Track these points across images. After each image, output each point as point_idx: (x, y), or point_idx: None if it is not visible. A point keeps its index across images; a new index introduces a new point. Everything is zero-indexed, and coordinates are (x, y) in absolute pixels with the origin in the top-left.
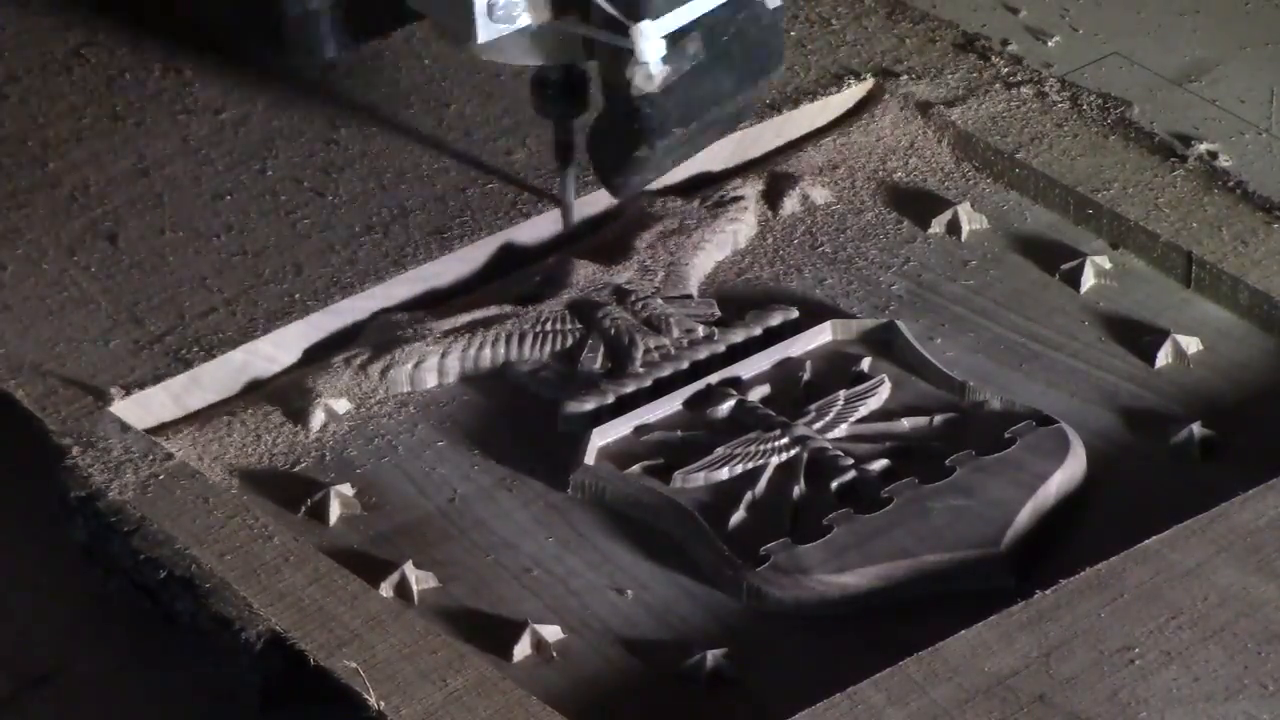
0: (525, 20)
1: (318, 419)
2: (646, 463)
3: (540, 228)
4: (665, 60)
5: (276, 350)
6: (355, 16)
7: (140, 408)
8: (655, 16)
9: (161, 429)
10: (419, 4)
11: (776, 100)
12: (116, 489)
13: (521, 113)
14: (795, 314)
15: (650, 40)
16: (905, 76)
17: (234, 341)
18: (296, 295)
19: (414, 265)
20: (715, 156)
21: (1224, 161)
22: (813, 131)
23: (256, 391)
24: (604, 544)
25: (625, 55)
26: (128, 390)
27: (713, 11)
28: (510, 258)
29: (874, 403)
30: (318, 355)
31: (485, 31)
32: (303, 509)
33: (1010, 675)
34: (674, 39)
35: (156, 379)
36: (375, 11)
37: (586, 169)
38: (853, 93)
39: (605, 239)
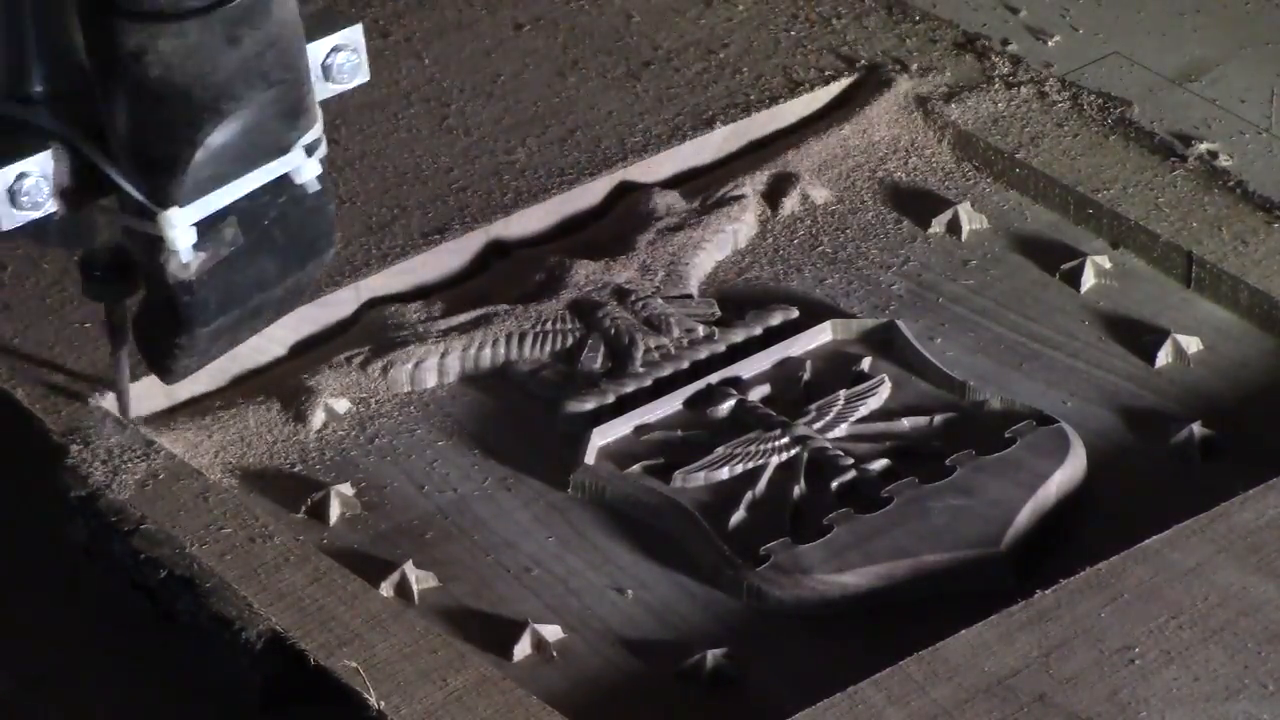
0: (52, 206)
1: (318, 418)
2: (646, 462)
3: (528, 221)
4: (198, 248)
5: (265, 341)
6: None
7: (132, 399)
8: (184, 204)
9: (160, 428)
10: None
11: (772, 93)
12: (116, 488)
13: (522, 112)
14: (795, 314)
15: (179, 228)
16: (905, 76)
17: None
18: None
19: (401, 258)
20: (706, 146)
21: (1224, 161)
22: (805, 123)
23: (251, 385)
24: (604, 544)
25: (158, 243)
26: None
27: (249, 196)
28: (498, 251)
29: (874, 402)
30: (306, 346)
31: (9, 219)
32: (303, 508)
33: (1010, 675)
34: (208, 225)
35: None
36: None
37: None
38: (841, 84)
39: (599, 236)
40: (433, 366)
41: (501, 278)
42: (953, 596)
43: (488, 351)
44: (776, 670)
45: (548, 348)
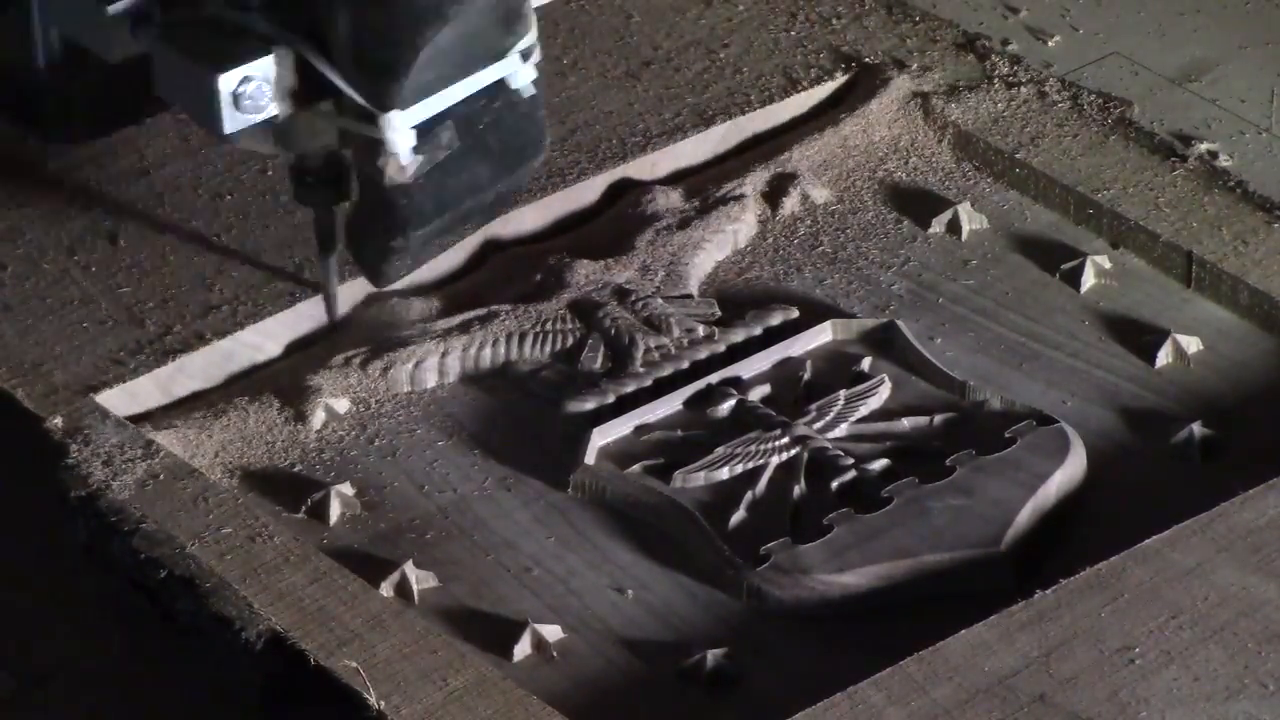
0: (273, 110)
1: (318, 418)
2: (647, 462)
3: (525, 219)
4: (417, 150)
5: (262, 339)
6: (106, 103)
7: (128, 395)
8: (405, 107)
9: (160, 428)
10: (167, 94)
11: (772, 93)
12: (116, 489)
13: None
14: (795, 313)
15: (400, 131)
16: (905, 76)
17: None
18: (295, 294)
19: None
20: (703, 144)
21: (1224, 161)
22: (802, 121)
23: (248, 384)
24: (604, 543)
25: (377, 145)
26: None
27: (466, 101)
28: (495, 249)
29: (874, 402)
30: (304, 345)
31: (231, 122)
32: (303, 508)
33: (1010, 675)
34: (426, 129)
35: (134, 360)
36: (126, 99)
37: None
38: (836, 82)
39: (598, 233)
40: (433, 366)
41: (499, 274)
42: (953, 596)
43: (488, 351)
44: (776, 670)
45: (548, 348)
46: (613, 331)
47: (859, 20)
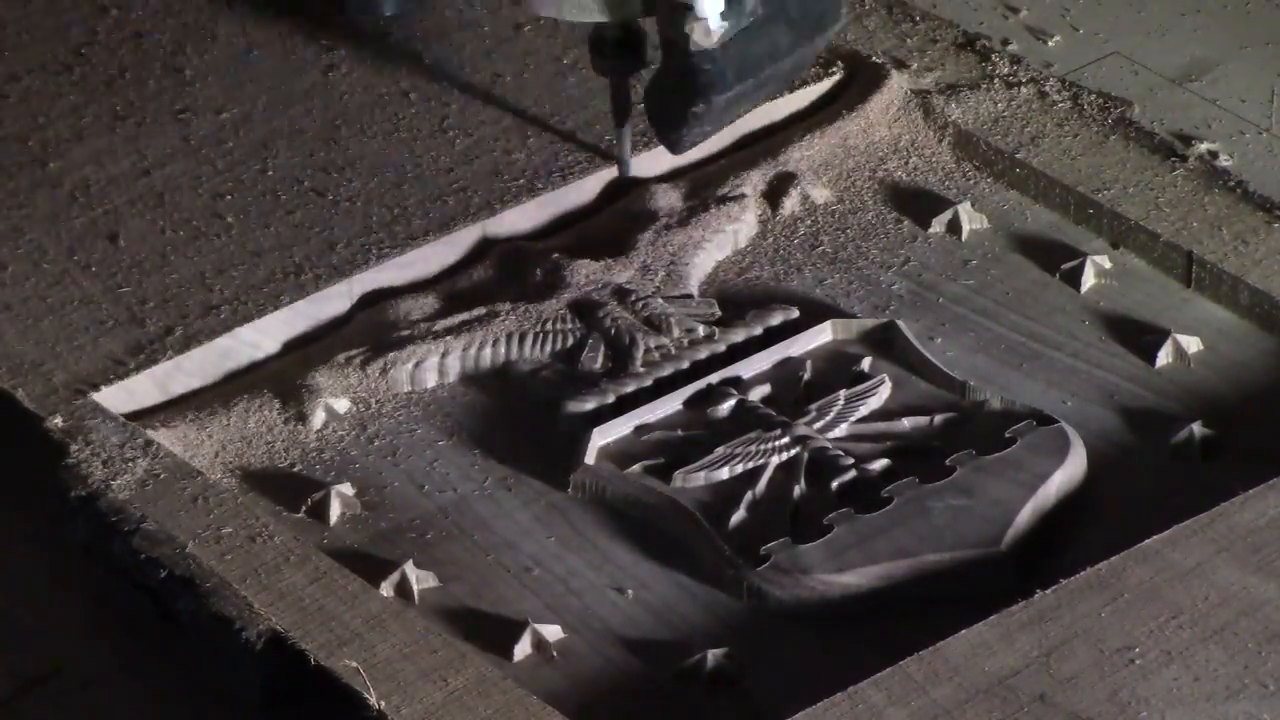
0: None
1: (318, 418)
2: (647, 462)
3: (523, 217)
4: (724, 16)
5: (260, 337)
6: None
7: (125, 393)
8: None
9: (160, 427)
10: None
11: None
12: (116, 489)
13: (522, 112)
14: (795, 313)
15: None
16: (906, 76)
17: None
18: (293, 293)
19: (394, 254)
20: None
21: (1224, 161)
22: (798, 118)
23: (247, 383)
24: (604, 543)
25: (683, 10)
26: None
27: None
28: (490, 245)
29: (874, 402)
30: (301, 343)
31: None
32: (303, 508)
33: (1010, 675)
34: None
35: (134, 361)
36: None
37: (641, 122)
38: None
39: (598, 231)
40: (433, 366)
41: (498, 270)
42: (953, 596)
43: (488, 351)
44: (776, 670)
45: (548, 348)
46: (613, 331)
47: (859, 20)
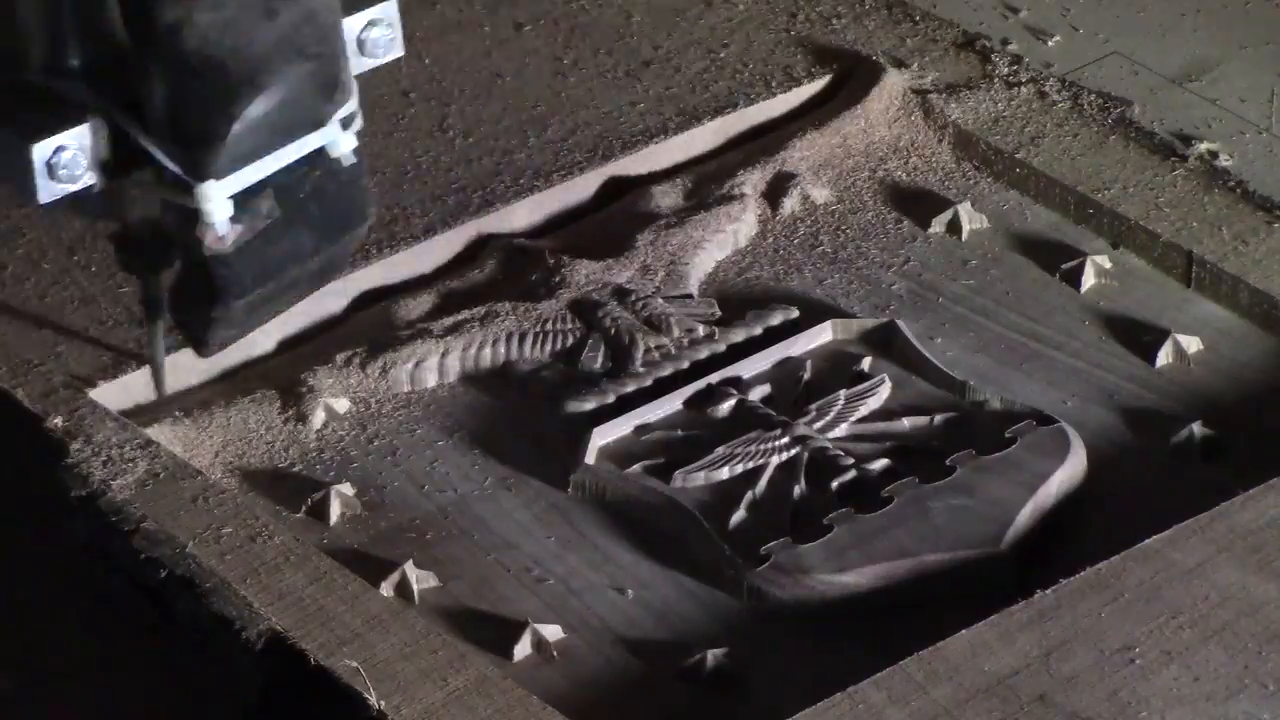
0: (89, 180)
1: (318, 418)
2: (647, 462)
3: (521, 215)
4: (235, 220)
5: (256, 334)
6: None
7: (121, 389)
8: (221, 177)
9: (160, 427)
10: None
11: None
12: (116, 488)
13: (522, 112)
14: (795, 313)
15: (215, 201)
16: (906, 76)
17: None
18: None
19: (391, 252)
20: (696, 139)
21: (1224, 161)
22: (795, 115)
23: (245, 380)
24: (604, 543)
25: (195, 215)
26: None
27: (285, 169)
28: (490, 245)
29: (874, 402)
30: (298, 341)
31: (46, 191)
32: (303, 508)
33: (1010, 675)
34: (244, 198)
35: (135, 361)
36: None
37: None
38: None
39: (598, 230)
40: (433, 366)
41: (498, 268)
42: (953, 596)
43: (488, 351)
44: (776, 670)
45: (548, 347)
46: (613, 331)
47: (859, 20)
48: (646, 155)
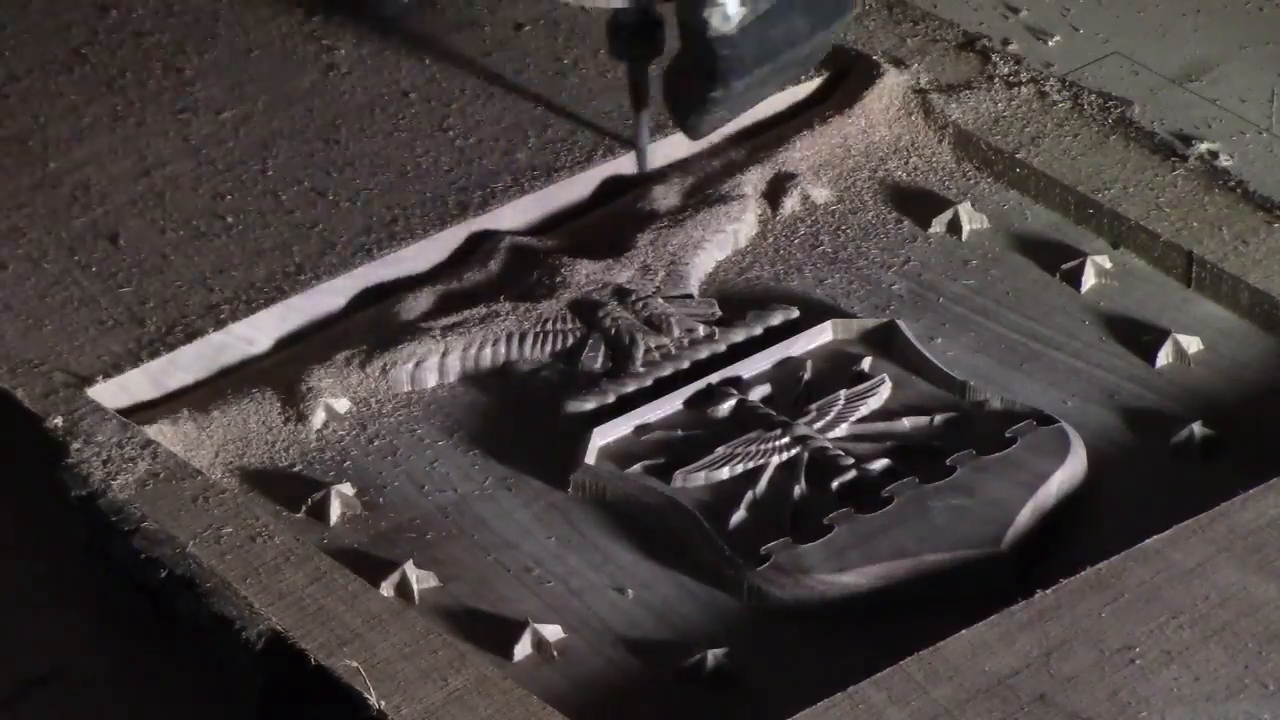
0: None
1: (318, 418)
2: (647, 462)
3: (518, 214)
4: (741, 2)
5: (253, 332)
6: None
7: (119, 388)
8: None
9: (161, 426)
10: None
11: None
12: (116, 488)
13: (522, 112)
14: (796, 313)
15: None
16: (905, 75)
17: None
18: (287, 288)
19: (387, 250)
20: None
21: (1224, 161)
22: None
23: (242, 379)
24: (605, 543)
25: None
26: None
27: None
28: (489, 243)
29: (875, 402)
30: (293, 340)
31: None
32: (303, 508)
33: (1011, 675)
34: None
35: (135, 362)
36: None
37: (661, 111)
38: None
39: (597, 227)
40: (433, 366)
41: (499, 268)
42: (953, 596)
43: (488, 351)
44: (776, 670)
45: (548, 347)
46: (613, 331)
47: (859, 20)
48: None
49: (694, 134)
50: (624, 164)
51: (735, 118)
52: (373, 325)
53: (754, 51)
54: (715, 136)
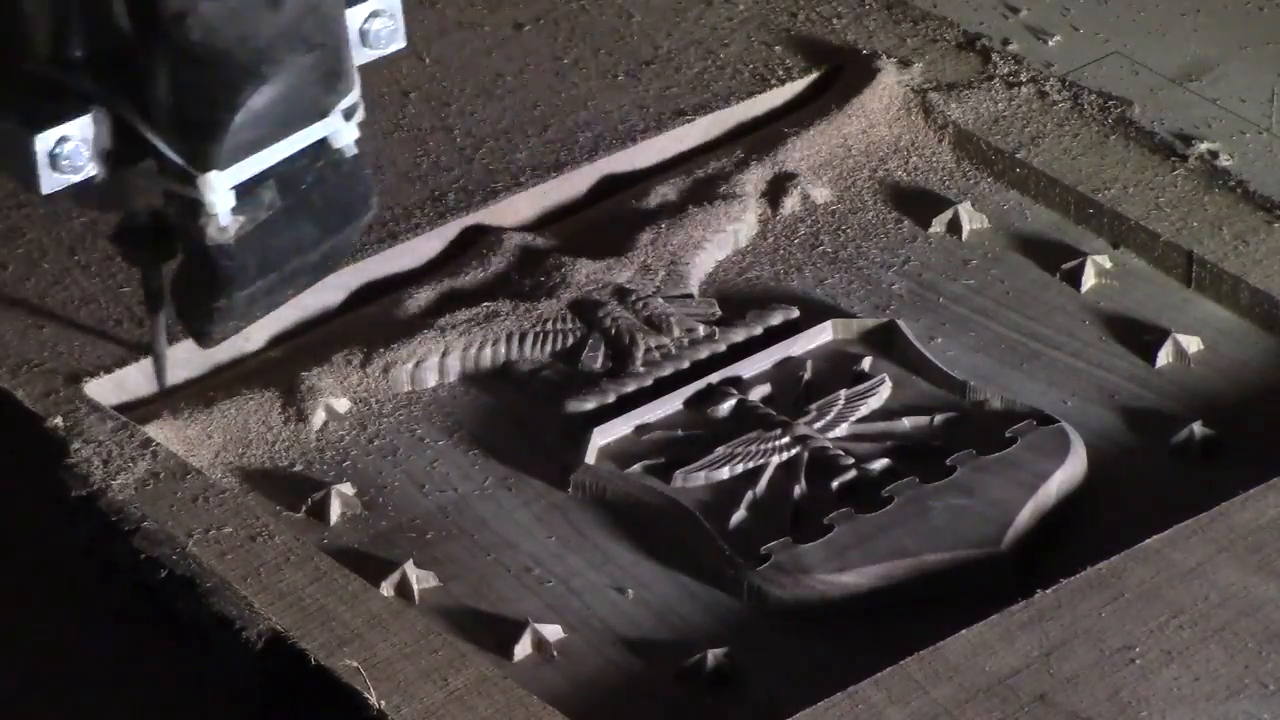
0: (91, 170)
1: (318, 418)
2: (647, 462)
3: (513, 211)
4: (237, 211)
5: (251, 328)
6: None
7: (115, 384)
8: (223, 167)
9: (161, 426)
10: None
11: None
12: (116, 488)
13: (522, 112)
14: (796, 313)
15: (218, 191)
16: (906, 75)
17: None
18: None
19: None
20: (690, 134)
21: (1224, 161)
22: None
23: (237, 375)
24: (605, 543)
25: (197, 206)
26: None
27: (288, 160)
28: (487, 240)
29: (875, 402)
30: (289, 335)
31: (49, 182)
32: (303, 508)
33: (1011, 675)
34: (247, 189)
35: (127, 354)
36: None
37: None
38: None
39: (596, 222)
40: (433, 366)
41: (496, 266)
42: (953, 596)
43: (488, 351)
44: (777, 670)
45: (548, 347)
46: (613, 331)
47: (859, 20)
48: (642, 150)
49: (205, 343)
50: (622, 162)
51: (250, 324)
52: (372, 324)
53: (258, 260)
54: (714, 135)
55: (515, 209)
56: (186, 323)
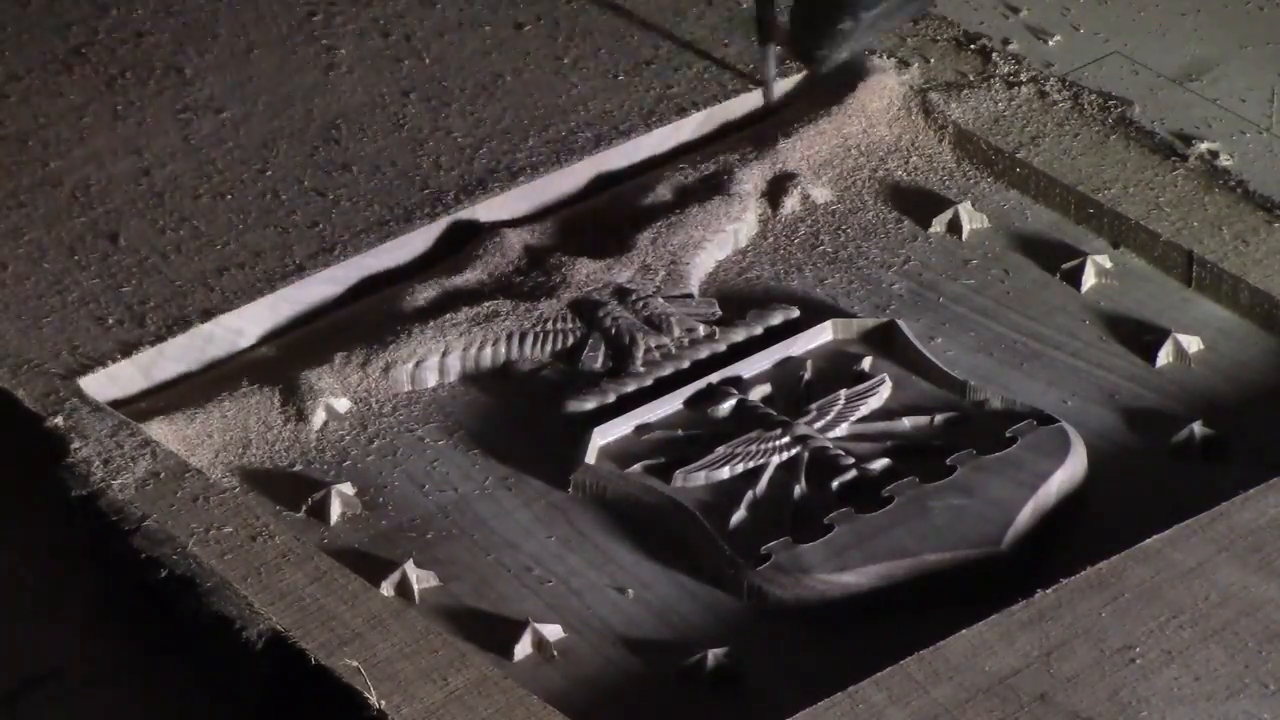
0: None
1: (318, 418)
2: (647, 462)
3: (510, 207)
4: None
5: (243, 323)
6: None
7: (109, 380)
8: None
9: (161, 426)
10: None
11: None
12: (116, 488)
13: (522, 112)
14: (796, 313)
15: None
16: (906, 75)
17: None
18: (276, 281)
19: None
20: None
21: (1225, 161)
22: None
23: (231, 370)
24: (605, 543)
25: None
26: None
27: None
28: (466, 233)
29: (875, 402)
30: (283, 330)
31: None
32: (304, 508)
33: (1011, 674)
34: None
35: (124, 353)
36: None
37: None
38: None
39: (593, 218)
40: (433, 366)
41: (496, 265)
42: (953, 596)
43: (488, 351)
44: (777, 670)
45: (548, 347)
46: (613, 331)
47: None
48: (642, 149)
49: (820, 67)
50: (621, 161)
51: (861, 50)
52: (372, 323)
53: None
54: (713, 134)
55: (514, 207)
56: (804, 49)
